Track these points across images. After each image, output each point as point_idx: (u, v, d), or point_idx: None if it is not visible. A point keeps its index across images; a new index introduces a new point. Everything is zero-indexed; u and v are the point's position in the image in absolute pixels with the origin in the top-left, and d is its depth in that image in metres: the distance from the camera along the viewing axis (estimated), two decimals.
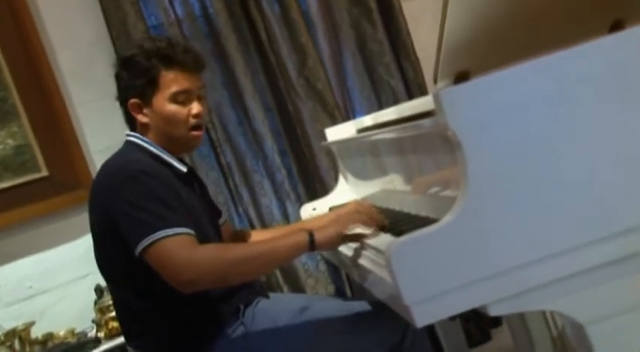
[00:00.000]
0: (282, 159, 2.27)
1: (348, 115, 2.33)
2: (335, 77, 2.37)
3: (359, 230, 1.29)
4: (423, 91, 2.34)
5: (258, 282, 1.52)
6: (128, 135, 1.39)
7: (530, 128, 0.95)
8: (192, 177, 1.43)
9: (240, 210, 2.24)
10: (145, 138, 1.36)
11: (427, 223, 1.01)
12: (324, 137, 1.95)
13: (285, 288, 2.23)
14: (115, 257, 1.26)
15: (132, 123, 1.39)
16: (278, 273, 2.23)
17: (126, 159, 1.30)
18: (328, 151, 2.22)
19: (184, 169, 1.37)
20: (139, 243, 1.17)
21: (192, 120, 1.36)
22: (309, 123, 2.26)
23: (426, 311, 0.93)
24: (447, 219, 0.94)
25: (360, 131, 1.81)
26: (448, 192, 1.16)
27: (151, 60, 1.32)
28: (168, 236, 1.16)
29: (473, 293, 0.93)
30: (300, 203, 2.18)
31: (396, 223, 1.29)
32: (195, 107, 1.36)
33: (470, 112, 0.95)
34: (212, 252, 1.17)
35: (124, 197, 1.20)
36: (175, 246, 1.15)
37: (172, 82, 1.33)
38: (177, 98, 1.34)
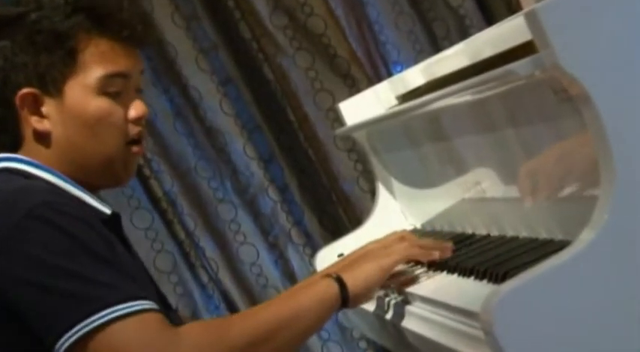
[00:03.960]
0: (267, 171, 2.32)
1: (376, 72, 2.37)
2: (343, 3, 2.40)
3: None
4: (510, 8, 2.37)
5: None
6: None
7: None
8: (120, 229, 1.46)
9: (204, 277, 2.29)
10: (34, 161, 1.37)
11: (552, 251, 1.05)
12: (338, 119, 1.98)
13: None
14: None
15: (9, 138, 1.40)
16: None
17: (11, 189, 1.30)
18: (350, 144, 2.25)
19: (108, 211, 1.39)
20: (64, 333, 1.18)
21: (134, 129, 1.41)
22: (307, 95, 2.31)
23: None
24: (585, 238, 0.99)
25: (402, 98, 1.83)
26: (581, 190, 1.20)
27: (68, 19, 1.35)
28: (121, 316, 1.18)
29: None
30: (313, 249, 2.22)
31: (495, 258, 1.33)
32: (139, 106, 1.41)
33: (600, 40, 1.00)
34: (207, 336, 1.22)
35: (25, 252, 1.21)
36: (139, 333, 1.18)
37: (103, 58, 1.37)
38: (110, 86, 1.38)
